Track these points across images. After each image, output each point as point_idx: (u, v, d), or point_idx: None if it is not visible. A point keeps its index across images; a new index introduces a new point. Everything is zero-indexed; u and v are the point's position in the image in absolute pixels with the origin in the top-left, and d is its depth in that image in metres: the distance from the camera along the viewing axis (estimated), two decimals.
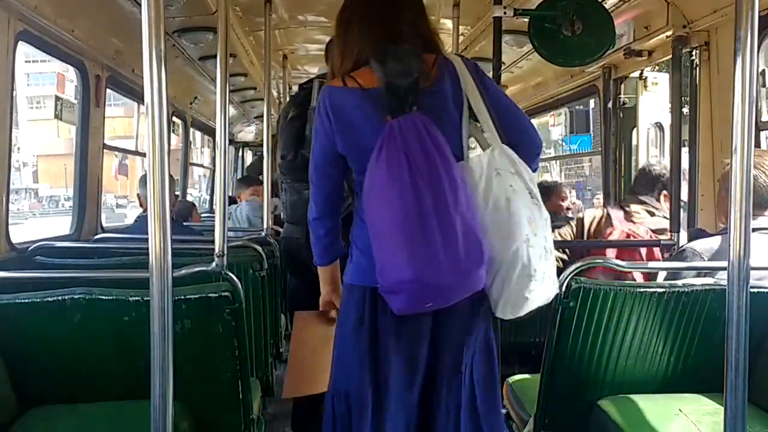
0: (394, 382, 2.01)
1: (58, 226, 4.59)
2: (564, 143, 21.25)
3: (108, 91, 4.08)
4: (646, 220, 3.31)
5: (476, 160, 1.96)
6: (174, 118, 6.19)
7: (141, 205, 4.21)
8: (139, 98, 4.68)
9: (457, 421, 2.04)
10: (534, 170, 2.03)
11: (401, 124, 1.87)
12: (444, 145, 1.88)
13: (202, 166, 9.05)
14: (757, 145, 2.89)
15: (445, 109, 1.98)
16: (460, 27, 4.25)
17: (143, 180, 4.17)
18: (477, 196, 1.92)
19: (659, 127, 4.10)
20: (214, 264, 2.48)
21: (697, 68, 3.27)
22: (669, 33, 3.28)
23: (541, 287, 1.96)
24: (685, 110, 3.43)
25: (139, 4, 1.48)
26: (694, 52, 3.25)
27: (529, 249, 1.91)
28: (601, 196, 4.97)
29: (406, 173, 1.83)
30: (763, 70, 2.94)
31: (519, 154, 1.97)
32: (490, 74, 3.55)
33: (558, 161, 21.45)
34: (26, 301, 2.18)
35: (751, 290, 1.60)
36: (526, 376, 3.02)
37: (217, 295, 2.21)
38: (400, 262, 1.83)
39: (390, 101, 1.89)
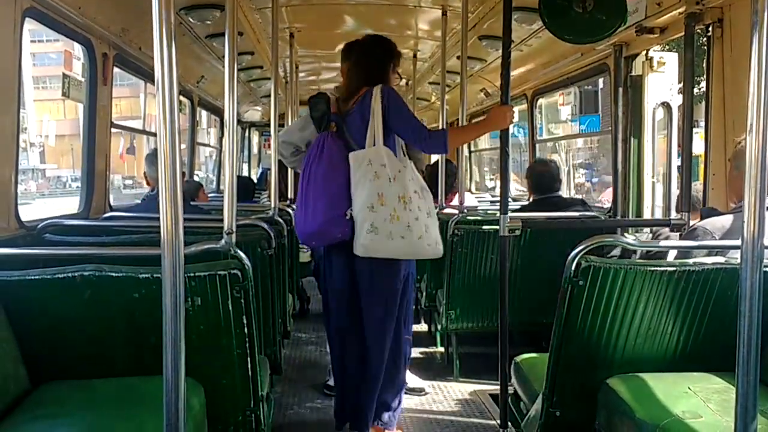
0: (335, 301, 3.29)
1: (66, 206, 4.60)
2: (573, 123, 21.16)
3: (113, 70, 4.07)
4: None
5: (360, 153, 3.07)
6: (181, 98, 6.17)
7: (148, 184, 4.21)
8: (146, 77, 4.66)
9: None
10: (442, 152, 3.53)
11: (318, 138, 3.19)
12: (333, 151, 3.10)
13: (209, 145, 9.05)
14: None
15: (356, 122, 3.11)
16: (469, 5, 4.21)
17: (150, 158, 4.17)
18: (354, 175, 3.05)
19: (666, 106, 4.06)
20: (222, 242, 2.49)
21: (710, 45, 3.22)
22: (682, 9, 3.23)
23: (389, 241, 3.01)
24: (696, 89, 3.39)
25: None
26: (707, 29, 3.20)
27: (372, 213, 3.00)
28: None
29: (308, 168, 3.15)
30: None
31: (412, 143, 3.15)
32: (499, 52, 3.52)
33: (564, 143, 21.34)
34: (37, 277, 2.19)
35: (764, 270, 1.59)
36: (534, 354, 3.03)
37: (226, 272, 2.22)
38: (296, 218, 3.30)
39: (315, 125, 3.22)
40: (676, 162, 3.91)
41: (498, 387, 3.02)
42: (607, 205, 5.07)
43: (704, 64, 3.38)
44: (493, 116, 3.09)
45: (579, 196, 4.68)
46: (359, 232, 3.04)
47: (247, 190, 6.01)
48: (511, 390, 3.08)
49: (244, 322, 2.27)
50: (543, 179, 4.63)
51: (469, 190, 7.92)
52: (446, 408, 3.82)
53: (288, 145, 3.76)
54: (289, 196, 5.48)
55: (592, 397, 2.39)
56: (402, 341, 3.33)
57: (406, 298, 3.32)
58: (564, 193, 5.08)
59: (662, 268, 2.33)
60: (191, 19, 4.47)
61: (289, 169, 5.42)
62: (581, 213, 4.42)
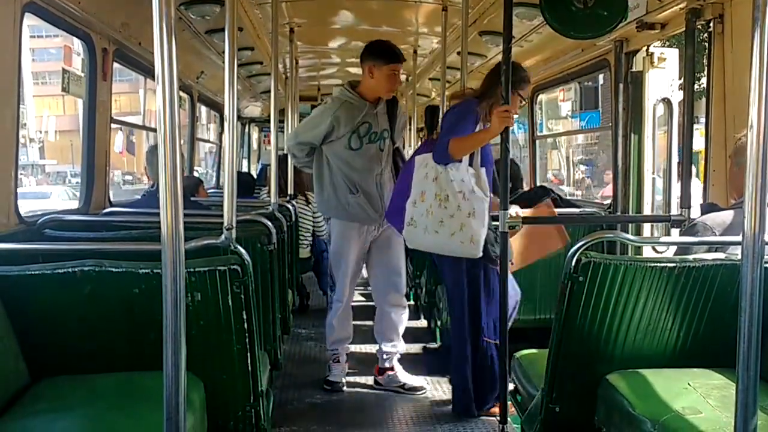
0: None
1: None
2: (573, 119, 21.16)
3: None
4: None
5: (423, 155, 3.40)
6: (181, 93, 6.15)
7: (149, 179, 4.21)
8: (146, 72, 4.65)
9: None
10: (447, 162, 3.29)
11: None
12: (417, 152, 3.56)
13: (208, 141, 9.04)
14: None
15: None
16: (470, 0, 4.19)
17: (150, 153, 4.17)
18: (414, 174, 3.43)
19: (667, 102, 4.05)
20: (222, 237, 2.49)
21: (711, 42, 3.22)
22: (683, 5, 3.22)
23: (426, 235, 3.32)
24: (696, 86, 3.38)
25: None
26: (708, 25, 3.20)
27: (413, 208, 3.36)
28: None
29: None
30: None
31: None
32: (500, 48, 3.52)
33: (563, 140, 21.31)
34: (37, 272, 2.19)
35: (764, 266, 1.58)
36: (534, 350, 3.03)
37: (226, 268, 2.22)
38: None
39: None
40: (676, 158, 3.90)
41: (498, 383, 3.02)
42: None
43: (705, 60, 3.37)
44: (494, 122, 3.12)
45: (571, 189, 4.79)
46: (404, 223, 3.44)
47: (246, 186, 6.00)
48: (511, 386, 3.08)
49: (244, 317, 2.27)
50: None
51: None
52: (446, 403, 3.82)
53: (303, 145, 3.93)
54: (288, 192, 5.47)
55: (592, 393, 2.39)
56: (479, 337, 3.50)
57: (473, 293, 3.46)
58: (565, 187, 5.12)
59: (662, 264, 2.33)
60: (191, 15, 4.46)
61: (289, 165, 5.41)
62: (581, 209, 4.42)
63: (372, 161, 3.87)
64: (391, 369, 4.05)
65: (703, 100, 3.41)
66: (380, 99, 3.90)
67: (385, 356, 4.06)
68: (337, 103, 3.86)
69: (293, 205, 4.87)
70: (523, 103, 3.57)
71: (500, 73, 3.35)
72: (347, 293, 4.05)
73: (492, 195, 3.35)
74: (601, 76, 12.66)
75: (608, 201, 4.64)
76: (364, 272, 7.92)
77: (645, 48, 3.97)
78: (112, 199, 4.20)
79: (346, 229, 3.93)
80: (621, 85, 4.10)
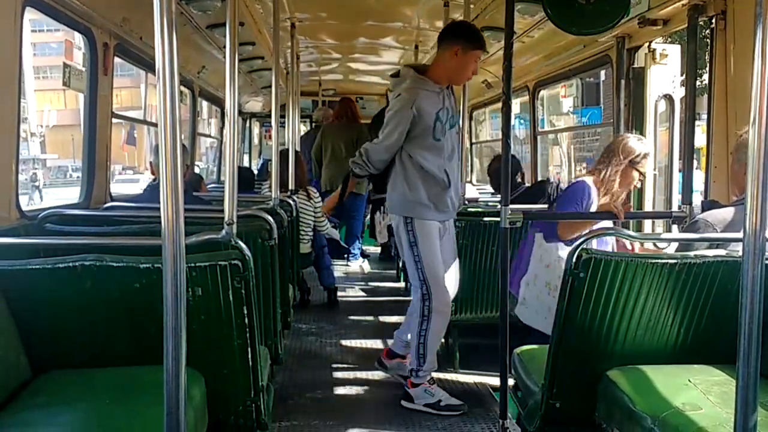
0: None
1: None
2: (574, 115, 21.12)
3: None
4: None
5: (540, 235, 3.46)
6: (182, 88, 6.14)
7: (152, 173, 4.21)
8: (147, 67, 4.65)
9: None
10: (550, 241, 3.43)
11: None
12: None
13: (209, 136, 9.04)
14: None
15: None
16: None
17: (157, 148, 4.15)
18: None
19: (669, 99, 4.05)
20: (223, 232, 2.49)
21: (713, 38, 3.21)
22: (685, 1, 3.22)
23: (537, 317, 3.42)
24: (698, 82, 3.37)
25: None
26: (710, 21, 3.19)
27: (526, 287, 3.49)
28: None
29: None
30: None
31: None
32: (501, 44, 3.51)
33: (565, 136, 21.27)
34: (38, 267, 2.19)
35: (765, 262, 1.58)
36: (534, 346, 3.03)
37: (226, 263, 2.22)
38: None
39: None
40: (677, 154, 3.90)
41: (498, 378, 3.02)
42: None
43: (707, 57, 3.36)
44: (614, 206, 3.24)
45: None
46: (518, 302, 3.59)
47: (246, 181, 6.00)
48: (511, 381, 3.09)
49: (245, 312, 2.28)
50: None
51: (470, 182, 7.92)
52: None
53: (393, 151, 3.57)
54: (290, 187, 5.46)
55: (592, 389, 2.40)
56: None
57: None
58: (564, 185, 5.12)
59: (663, 261, 2.33)
60: (192, 9, 4.46)
61: (290, 160, 5.39)
62: None
63: (454, 146, 3.63)
64: (404, 358, 3.94)
65: (705, 96, 3.40)
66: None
67: (404, 346, 3.91)
68: (414, 93, 3.46)
69: (294, 200, 4.87)
70: (641, 179, 3.48)
71: (612, 151, 3.37)
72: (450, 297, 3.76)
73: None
74: (602, 72, 12.64)
75: None
76: (366, 266, 8.05)
77: (647, 44, 3.96)
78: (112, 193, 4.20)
79: (433, 229, 3.57)
80: (623, 82, 4.10)
